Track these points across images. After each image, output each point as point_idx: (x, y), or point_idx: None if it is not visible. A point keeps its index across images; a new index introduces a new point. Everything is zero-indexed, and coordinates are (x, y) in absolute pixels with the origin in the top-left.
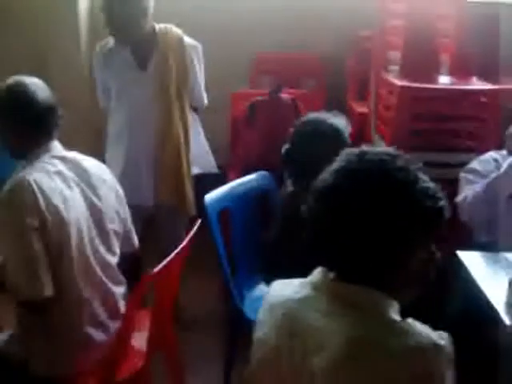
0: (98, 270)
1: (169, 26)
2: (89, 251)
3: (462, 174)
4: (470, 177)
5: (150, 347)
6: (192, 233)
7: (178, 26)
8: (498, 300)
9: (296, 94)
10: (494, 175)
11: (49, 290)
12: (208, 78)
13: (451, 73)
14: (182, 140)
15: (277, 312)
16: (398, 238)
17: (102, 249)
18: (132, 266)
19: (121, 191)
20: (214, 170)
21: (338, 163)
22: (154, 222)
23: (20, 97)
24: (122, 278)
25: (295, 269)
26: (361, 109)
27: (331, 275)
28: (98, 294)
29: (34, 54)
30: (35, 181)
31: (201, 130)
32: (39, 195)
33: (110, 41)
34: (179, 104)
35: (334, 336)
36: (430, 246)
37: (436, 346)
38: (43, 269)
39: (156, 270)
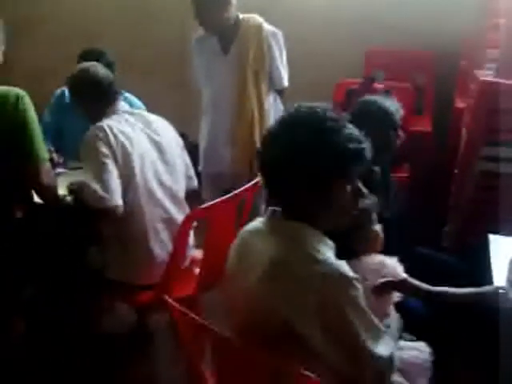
0: (162, 197)
1: (252, 15)
2: (153, 181)
3: None
4: None
5: (201, 279)
6: (251, 184)
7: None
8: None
9: (394, 86)
10: None
11: (118, 200)
12: (319, 68)
13: None
14: (257, 115)
15: (237, 241)
16: (325, 175)
17: (167, 179)
18: (193, 202)
19: (180, 140)
20: None
21: (282, 115)
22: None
23: (87, 80)
24: (186, 207)
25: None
26: (461, 104)
27: (278, 213)
28: (161, 218)
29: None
30: (108, 125)
31: (282, 111)
32: (110, 133)
33: (201, 31)
34: (255, 84)
35: (262, 256)
36: (355, 182)
37: (341, 276)
38: (115, 183)
39: (206, 205)
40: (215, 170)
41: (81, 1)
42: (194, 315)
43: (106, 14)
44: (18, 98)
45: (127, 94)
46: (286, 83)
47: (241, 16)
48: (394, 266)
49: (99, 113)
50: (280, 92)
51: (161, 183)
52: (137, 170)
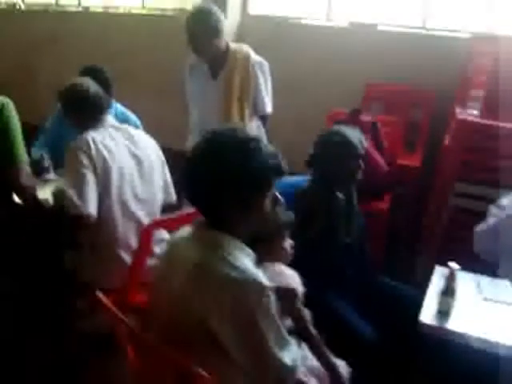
0: (135, 209)
1: (241, 45)
2: (128, 194)
3: (491, 206)
4: (494, 210)
5: None
6: None
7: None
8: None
9: (385, 120)
10: (502, 215)
11: (92, 209)
12: (319, 100)
13: None
14: None
15: (165, 247)
16: (248, 189)
17: (143, 192)
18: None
19: (161, 155)
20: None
21: (205, 135)
22: None
23: (76, 94)
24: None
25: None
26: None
27: (203, 223)
28: (134, 229)
29: None
30: (92, 137)
31: (264, 135)
32: (92, 145)
33: (193, 56)
34: (239, 109)
35: (185, 262)
36: (273, 192)
37: (255, 282)
38: (91, 193)
39: (164, 218)
40: None
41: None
42: (116, 310)
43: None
44: (2, 105)
45: (124, 110)
46: (268, 110)
47: (231, 45)
48: (291, 277)
49: (85, 125)
50: (263, 118)
51: (136, 196)
52: (114, 183)
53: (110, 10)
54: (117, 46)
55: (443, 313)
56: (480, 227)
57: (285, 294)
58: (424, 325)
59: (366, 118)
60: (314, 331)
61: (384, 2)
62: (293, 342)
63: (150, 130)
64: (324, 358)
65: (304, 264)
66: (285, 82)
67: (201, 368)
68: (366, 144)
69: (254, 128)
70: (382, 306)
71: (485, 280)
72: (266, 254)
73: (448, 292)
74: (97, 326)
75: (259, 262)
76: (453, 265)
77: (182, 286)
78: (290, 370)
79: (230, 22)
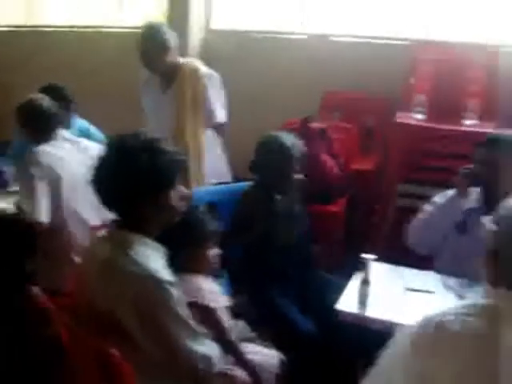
0: (88, 216)
1: (191, 59)
2: (79, 202)
3: (425, 204)
4: (427, 207)
5: None
6: None
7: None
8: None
9: (338, 127)
10: (433, 209)
11: (43, 218)
12: (280, 109)
13: (481, 118)
14: (192, 148)
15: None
16: (154, 188)
17: (95, 200)
18: None
19: None
20: (228, 179)
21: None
22: None
23: (31, 109)
24: None
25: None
26: None
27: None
28: (86, 233)
29: None
30: (43, 150)
31: (219, 145)
32: (43, 158)
33: (147, 71)
34: (192, 119)
35: (98, 258)
36: (177, 188)
37: (155, 278)
38: (43, 202)
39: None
40: None
41: None
42: (46, 300)
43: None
44: None
45: (87, 125)
46: (222, 120)
47: (181, 60)
48: (210, 292)
49: (39, 138)
50: (218, 128)
51: (88, 203)
52: (65, 192)
53: (81, 29)
54: (89, 63)
55: (361, 301)
56: (412, 222)
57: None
58: (340, 312)
59: (314, 125)
60: (231, 338)
61: (338, 13)
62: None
63: None
64: (242, 361)
65: (248, 265)
66: (248, 93)
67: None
68: (301, 148)
69: (209, 138)
70: (322, 302)
71: (410, 271)
72: (189, 261)
73: (364, 281)
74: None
75: (183, 270)
76: (367, 256)
77: (93, 280)
78: (205, 361)
79: (193, 37)
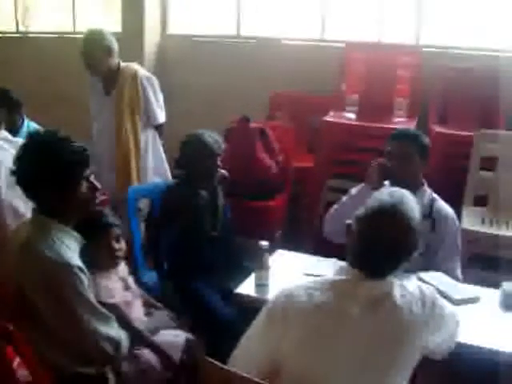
0: (24, 211)
1: (131, 63)
2: (17, 197)
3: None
4: (343, 199)
5: None
6: None
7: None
8: None
9: (269, 125)
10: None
11: None
12: (232, 110)
13: (410, 115)
14: (132, 147)
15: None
16: (63, 180)
17: None
18: None
19: None
20: (169, 178)
21: (30, 137)
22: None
23: None
24: None
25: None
26: None
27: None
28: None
29: None
30: None
31: (160, 144)
32: None
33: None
34: (132, 121)
35: (18, 242)
36: (88, 180)
37: (64, 264)
38: None
39: None
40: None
41: None
42: None
43: None
44: None
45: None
46: (161, 120)
47: (122, 64)
48: (105, 288)
49: None
50: (158, 128)
51: (26, 202)
52: (3, 190)
53: (45, 35)
54: (51, 68)
55: (257, 284)
56: (328, 212)
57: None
58: (237, 294)
59: (254, 125)
60: (137, 328)
61: (286, 18)
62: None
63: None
64: (149, 344)
65: (174, 256)
66: (203, 95)
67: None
68: (223, 145)
69: (150, 138)
70: None
71: (314, 258)
72: (95, 252)
73: (262, 266)
74: None
75: (95, 264)
76: (262, 242)
77: (14, 262)
78: (113, 344)
79: (149, 42)
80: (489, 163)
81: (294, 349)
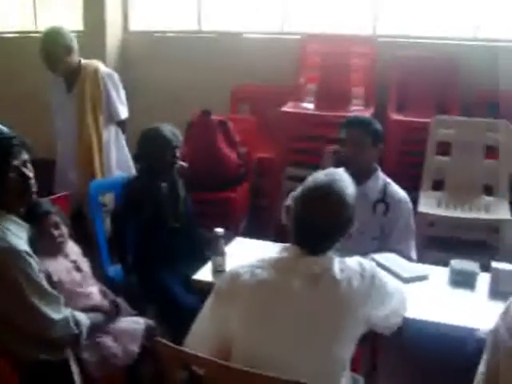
0: None
1: (92, 60)
2: None
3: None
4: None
5: None
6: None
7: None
8: None
9: (237, 118)
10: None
11: None
12: (195, 104)
13: (367, 103)
14: (95, 144)
15: None
16: None
17: None
18: None
19: None
20: (133, 172)
21: None
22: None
23: None
24: None
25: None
26: None
27: None
28: None
29: None
30: None
31: (123, 140)
32: None
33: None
34: (94, 117)
35: None
36: (18, 170)
37: (12, 250)
38: None
39: None
40: (65, 190)
41: None
42: None
43: None
44: None
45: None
46: (123, 116)
47: (82, 61)
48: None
49: None
50: (120, 124)
51: None
52: None
53: (7, 35)
54: (16, 68)
55: (214, 270)
56: (285, 201)
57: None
58: (193, 280)
59: (215, 117)
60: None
61: (246, 11)
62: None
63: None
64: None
65: (137, 249)
66: (165, 90)
67: None
68: (181, 137)
69: (112, 134)
70: None
71: (270, 245)
72: (39, 240)
73: (218, 253)
74: None
75: (40, 251)
76: (217, 229)
77: None
78: (65, 324)
79: (111, 39)
80: (445, 148)
81: (242, 327)
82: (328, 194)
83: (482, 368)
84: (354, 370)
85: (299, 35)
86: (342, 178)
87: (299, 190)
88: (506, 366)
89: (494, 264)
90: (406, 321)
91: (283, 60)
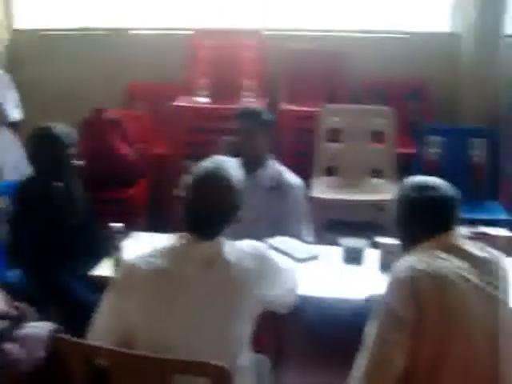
0: None
1: None
2: None
3: None
4: None
5: None
6: None
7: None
8: None
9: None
10: None
11: None
12: (90, 103)
13: (259, 95)
14: None
15: None
16: None
17: None
18: None
19: None
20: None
21: None
22: None
23: None
24: None
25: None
26: None
27: None
28: None
29: None
30: None
31: (17, 142)
32: None
33: None
34: None
35: None
36: None
37: None
38: None
39: None
40: None
41: None
42: None
43: None
44: None
45: None
46: (15, 117)
47: None
48: None
49: None
50: (14, 125)
51: None
52: None
53: None
54: None
55: (114, 264)
56: None
57: None
58: (92, 277)
59: (108, 115)
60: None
61: (136, 7)
62: None
63: None
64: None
65: (36, 252)
66: (58, 89)
67: None
68: (74, 135)
69: (6, 136)
70: None
71: (163, 236)
72: None
73: (115, 248)
74: None
75: None
76: (114, 225)
77: None
78: None
79: None
80: (336, 135)
81: (143, 317)
82: (214, 178)
83: (370, 330)
84: (260, 351)
85: (189, 31)
86: (228, 164)
87: (189, 177)
88: (390, 329)
89: (378, 239)
90: (304, 299)
91: (175, 56)
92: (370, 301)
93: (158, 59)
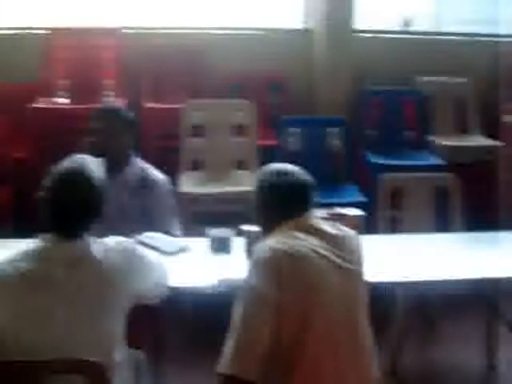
0: None
1: None
2: None
3: None
4: None
5: None
6: None
7: None
8: None
9: None
10: None
11: None
12: None
13: (120, 94)
14: None
15: None
16: None
17: None
18: None
19: None
20: None
21: None
22: None
23: None
24: None
25: None
26: None
27: None
28: None
29: None
30: None
31: None
32: None
33: None
34: None
35: None
36: None
37: None
38: None
39: None
40: None
41: None
42: None
43: None
44: None
45: None
46: None
47: None
48: None
49: None
50: None
51: None
52: None
53: None
54: None
55: None
56: None
57: None
58: None
59: None
60: None
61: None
62: None
63: None
64: None
65: None
66: None
67: None
68: None
69: None
70: None
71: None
72: None
73: None
74: None
75: None
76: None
77: None
78: None
79: None
80: (200, 131)
81: (12, 322)
82: (73, 177)
83: (236, 311)
84: (138, 347)
85: (46, 30)
86: (87, 162)
87: (49, 178)
88: (256, 308)
89: (243, 227)
90: (176, 290)
91: (33, 56)
92: (221, 285)
93: (14, 60)
